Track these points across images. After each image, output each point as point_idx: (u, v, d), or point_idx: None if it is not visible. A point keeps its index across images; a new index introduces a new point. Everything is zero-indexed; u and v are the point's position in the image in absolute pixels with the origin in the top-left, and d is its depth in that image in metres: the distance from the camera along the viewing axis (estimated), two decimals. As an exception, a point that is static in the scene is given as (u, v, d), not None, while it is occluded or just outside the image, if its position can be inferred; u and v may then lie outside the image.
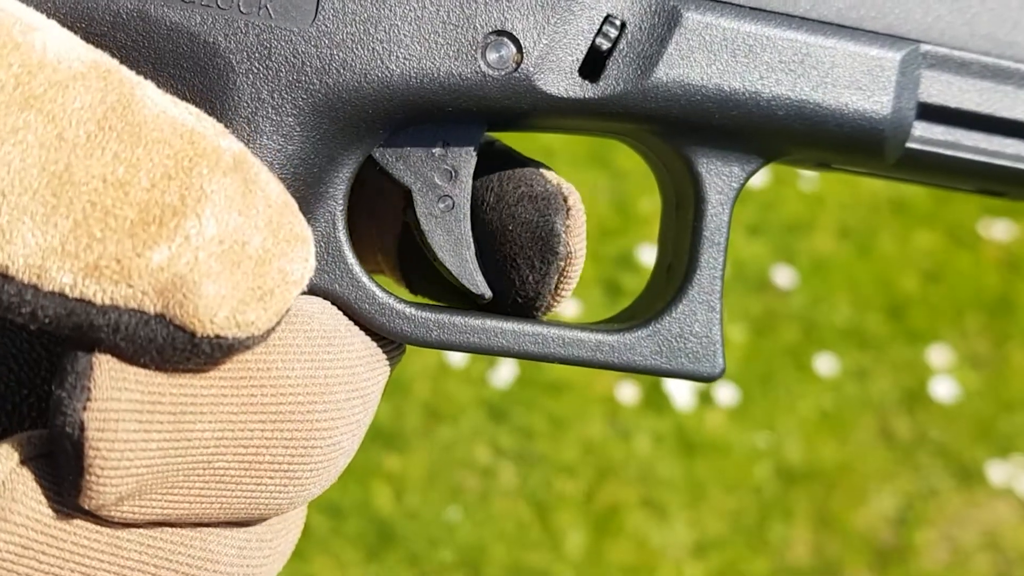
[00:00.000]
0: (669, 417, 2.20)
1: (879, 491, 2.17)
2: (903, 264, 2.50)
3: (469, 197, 0.42)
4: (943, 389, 2.31)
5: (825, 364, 2.32)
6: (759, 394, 2.26)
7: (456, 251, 0.42)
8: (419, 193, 0.41)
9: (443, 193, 0.42)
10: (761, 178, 2.63)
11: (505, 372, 2.20)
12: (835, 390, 2.29)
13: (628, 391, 2.21)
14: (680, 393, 2.22)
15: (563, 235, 0.41)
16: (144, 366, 0.33)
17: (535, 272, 0.42)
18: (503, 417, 2.15)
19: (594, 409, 2.18)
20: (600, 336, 0.42)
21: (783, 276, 2.44)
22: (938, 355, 2.37)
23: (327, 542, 1.97)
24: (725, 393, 2.24)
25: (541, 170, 0.43)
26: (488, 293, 0.43)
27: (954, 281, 2.49)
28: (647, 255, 2.39)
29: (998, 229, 2.61)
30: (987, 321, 2.44)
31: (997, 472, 2.21)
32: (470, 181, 0.42)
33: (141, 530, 0.35)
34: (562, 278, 0.42)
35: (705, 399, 2.24)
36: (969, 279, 2.50)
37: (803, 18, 0.42)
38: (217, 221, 0.33)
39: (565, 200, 0.42)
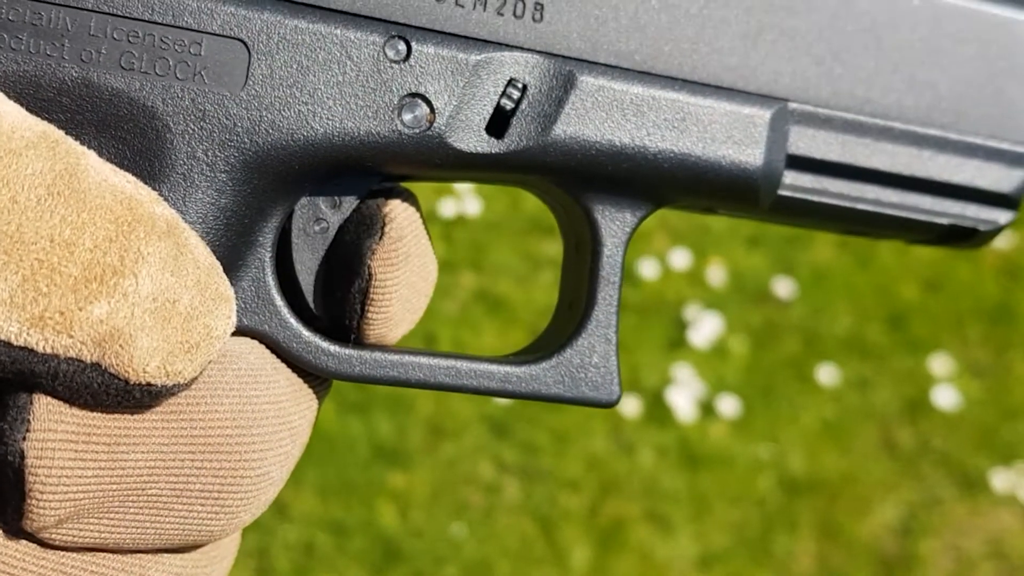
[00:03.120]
0: (672, 430, 2.21)
1: (883, 501, 2.17)
2: (903, 274, 2.51)
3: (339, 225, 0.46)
4: (945, 398, 2.31)
5: (826, 375, 2.32)
6: (761, 406, 2.27)
7: (312, 272, 0.46)
8: (300, 208, 0.45)
9: (321, 216, 0.45)
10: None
11: (507, 388, 2.20)
12: (837, 400, 2.29)
13: (631, 405, 2.22)
14: (683, 406, 2.23)
15: (366, 257, 0.44)
16: (78, 407, 0.37)
17: (342, 292, 0.45)
18: (506, 433, 2.16)
19: (597, 423, 2.19)
20: (508, 368, 0.46)
21: (783, 287, 2.44)
22: (939, 364, 2.37)
23: (332, 560, 1.98)
24: (727, 405, 2.25)
25: (389, 199, 0.46)
26: (320, 315, 0.46)
27: (954, 290, 2.50)
28: (647, 269, 2.40)
29: (997, 238, 2.62)
30: (988, 329, 2.45)
31: (1000, 480, 2.22)
32: (348, 212, 0.46)
33: (84, 556, 0.39)
34: (368, 302, 0.44)
35: (707, 411, 2.25)
36: (969, 288, 2.51)
37: (685, 80, 0.46)
38: (152, 280, 0.36)
39: (383, 225, 0.44)
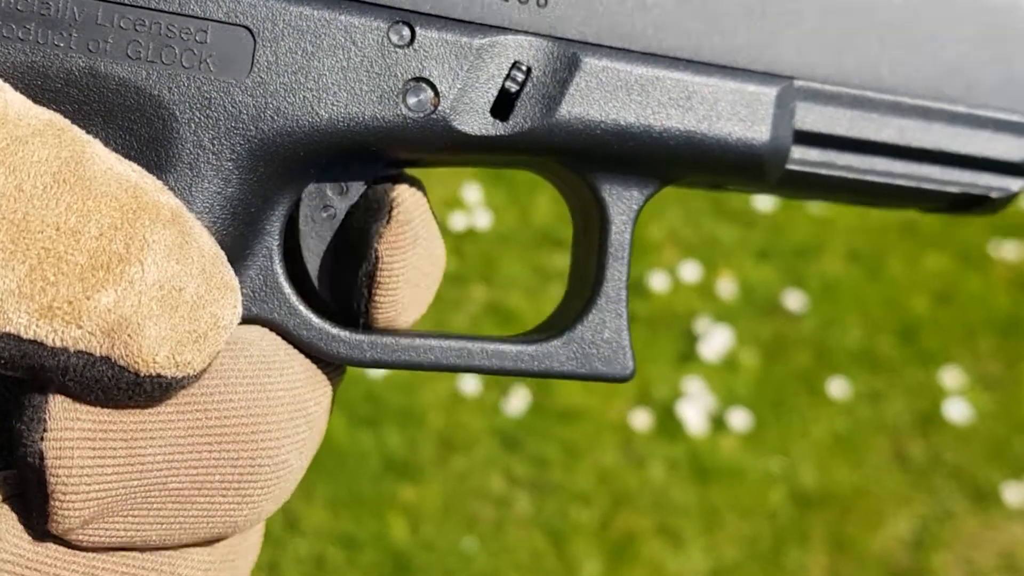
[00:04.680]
0: (683, 443, 2.20)
1: (895, 514, 2.17)
2: (913, 286, 2.50)
3: (346, 211, 0.46)
4: (956, 411, 2.31)
5: (838, 388, 2.32)
6: (772, 419, 2.26)
7: (320, 257, 0.46)
8: (308, 197, 0.45)
9: (328, 203, 0.46)
10: (769, 202, 2.64)
11: (518, 401, 2.21)
12: (848, 414, 2.29)
13: (641, 418, 2.22)
14: (693, 419, 2.23)
15: (373, 241, 0.44)
16: (91, 404, 0.37)
17: (350, 276, 0.45)
18: (517, 446, 2.16)
19: (607, 436, 2.19)
20: (520, 347, 0.46)
21: (793, 300, 2.44)
22: (951, 377, 2.37)
23: (343, 574, 1.98)
24: (738, 418, 2.24)
25: (397, 184, 0.46)
26: (328, 301, 0.46)
27: (965, 302, 2.49)
28: (657, 282, 2.40)
29: (1008, 249, 2.61)
30: (999, 342, 2.44)
31: (1012, 493, 2.21)
32: (355, 199, 0.46)
33: (113, 556, 0.38)
34: (375, 286, 0.44)
35: (718, 425, 2.24)
36: (980, 300, 2.50)
37: (689, 60, 0.47)
38: (157, 268, 0.36)
39: (391, 209, 0.45)
